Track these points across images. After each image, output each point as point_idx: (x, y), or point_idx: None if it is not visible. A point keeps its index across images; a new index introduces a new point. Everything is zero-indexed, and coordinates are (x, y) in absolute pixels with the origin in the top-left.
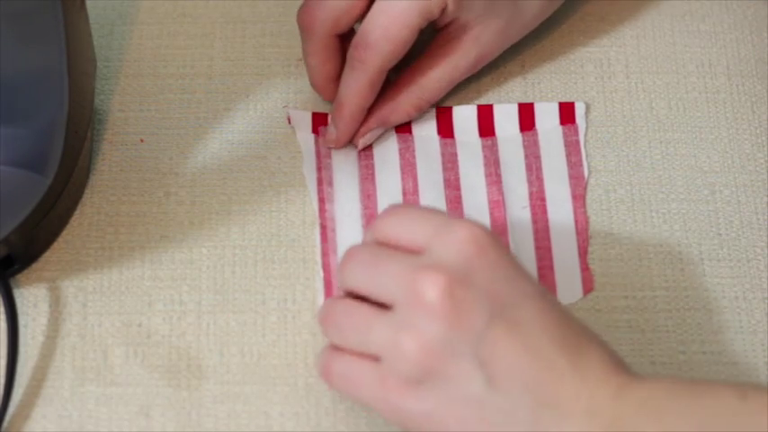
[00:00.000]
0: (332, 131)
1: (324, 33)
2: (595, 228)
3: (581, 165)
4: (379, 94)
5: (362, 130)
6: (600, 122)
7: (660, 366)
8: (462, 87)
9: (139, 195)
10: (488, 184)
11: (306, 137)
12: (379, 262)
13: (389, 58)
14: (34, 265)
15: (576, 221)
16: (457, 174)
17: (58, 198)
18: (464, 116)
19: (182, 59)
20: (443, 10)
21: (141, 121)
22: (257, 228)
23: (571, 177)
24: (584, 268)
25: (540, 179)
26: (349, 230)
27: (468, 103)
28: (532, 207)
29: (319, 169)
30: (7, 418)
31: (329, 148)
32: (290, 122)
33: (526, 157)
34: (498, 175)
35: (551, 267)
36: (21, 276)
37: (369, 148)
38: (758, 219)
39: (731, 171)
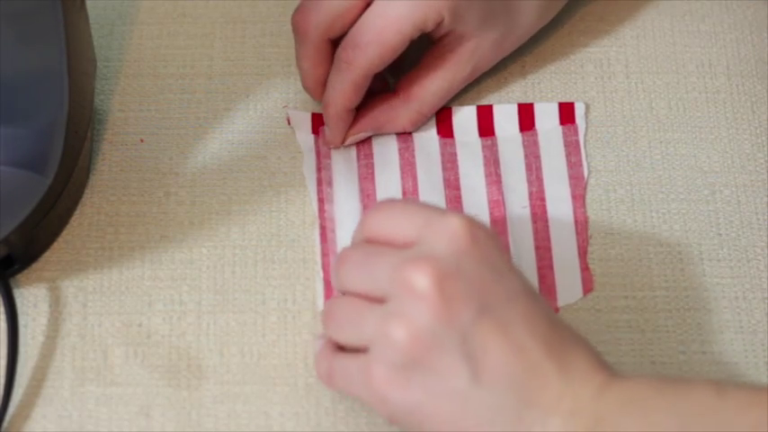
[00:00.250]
0: (327, 132)
1: (317, 37)
2: (595, 228)
3: (581, 165)
4: (377, 99)
5: (353, 131)
6: (600, 122)
7: (660, 366)
8: (462, 88)
9: (139, 195)
10: (488, 184)
11: (305, 137)
12: (370, 260)
13: (377, 62)
14: (34, 265)
15: (576, 221)
16: (457, 174)
17: (58, 198)
18: (464, 116)
19: (182, 59)
20: (440, 23)
21: (141, 121)
22: (257, 228)
23: (571, 177)
24: (584, 268)
25: (539, 179)
26: (349, 230)
27: (468, 103)
28: (532, 207)
29: (319, 169)
30: (7, 418)
31: (329, 149)
32: (289, 123)
33: (526, 156)
34: (498, 175)
35: (551, 267)
36: (21, 276)
37: (368, 147)
38: (758, 219)
39: (731, 171)
